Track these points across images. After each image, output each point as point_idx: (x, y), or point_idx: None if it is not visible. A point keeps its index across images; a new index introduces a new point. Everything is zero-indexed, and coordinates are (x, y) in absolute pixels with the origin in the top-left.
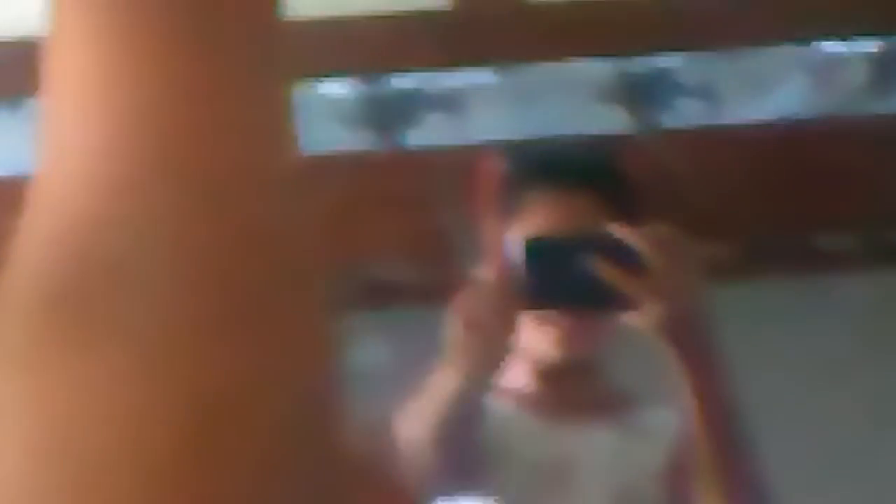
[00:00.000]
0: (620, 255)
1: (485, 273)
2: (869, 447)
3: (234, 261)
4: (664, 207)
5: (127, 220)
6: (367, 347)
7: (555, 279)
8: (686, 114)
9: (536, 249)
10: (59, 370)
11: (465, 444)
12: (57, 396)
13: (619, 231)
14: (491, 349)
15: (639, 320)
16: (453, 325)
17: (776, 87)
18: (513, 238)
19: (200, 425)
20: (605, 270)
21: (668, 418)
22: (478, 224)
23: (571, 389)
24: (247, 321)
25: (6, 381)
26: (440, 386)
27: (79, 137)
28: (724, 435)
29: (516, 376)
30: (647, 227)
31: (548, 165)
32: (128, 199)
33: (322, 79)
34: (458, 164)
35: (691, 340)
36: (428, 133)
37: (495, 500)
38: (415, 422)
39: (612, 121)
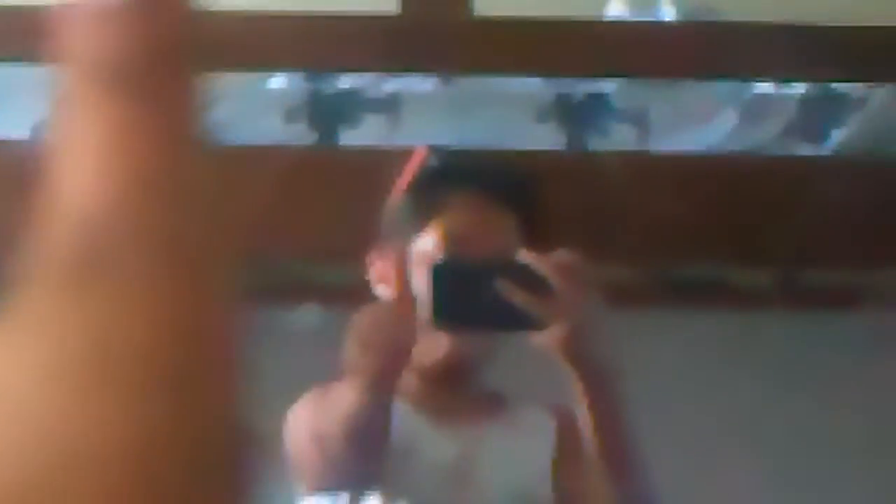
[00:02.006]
0: (525, 277)
1: (386, 293)
2: (768, 484)
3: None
4: (580, 230)
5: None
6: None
7: (461, 301)
8: (616, 139)
9: (443, 272)
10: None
11: (371, 449)
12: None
13: (525, 254)
14: (386, 369)
15: (540, 340)
16: (351, 343)
17: (706, 120)
18: (420, 256)
19: None
20: (510, 293)
21: (546, 420)
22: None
23: (456, 390)
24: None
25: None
26: (343, 395)
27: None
28: (614, 446)
29: (404, 375)
30: (553, 252)
31: (471, 172)
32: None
33: (265, 73)
34: (389, 166)
35: (590, 360)
36: (364, 134)
37: (393, 498)
38: (320, 419)
39: (544, 139)
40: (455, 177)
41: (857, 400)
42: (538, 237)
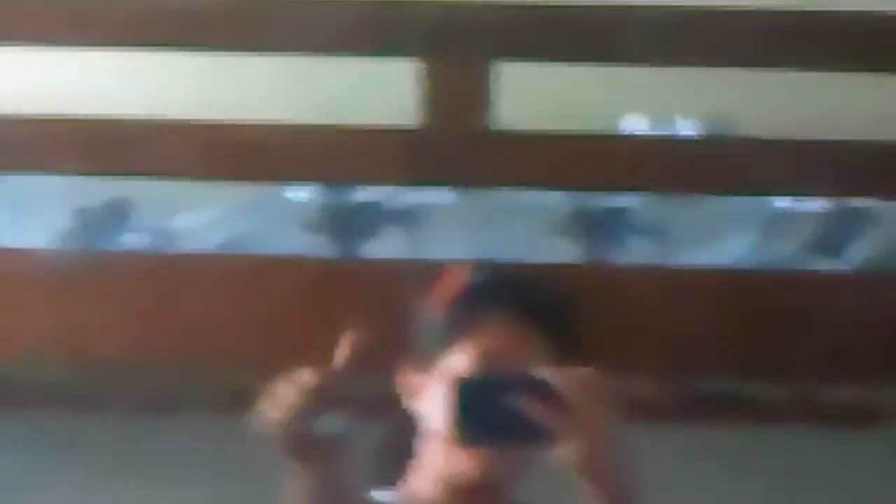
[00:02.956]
0: (544, 393)
1: (417, 406)
2: None
3: None
4: (599, 343)
5: None
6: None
7: (484, 417)
8: (636, 252)
9: (467, 389)
10: None
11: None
12: None
13: (543, 370)
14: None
15: (559, 455)
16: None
17: (725, 235)
18: (449, 373)
19: None
20: (528, 408)
21: None
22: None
23: (481, 503)
24: None
25: None
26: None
27: None
28: None
29: (426, 485)
30: (572, 368)
31: (510, 291)
32: None
33: (288, 184)
34: (409, 277)
35: (607, 477)
36: (384, 246)
37: None
38: None
39: (563, 252)
40: (494, 296)
41: None
42: (573, 353)
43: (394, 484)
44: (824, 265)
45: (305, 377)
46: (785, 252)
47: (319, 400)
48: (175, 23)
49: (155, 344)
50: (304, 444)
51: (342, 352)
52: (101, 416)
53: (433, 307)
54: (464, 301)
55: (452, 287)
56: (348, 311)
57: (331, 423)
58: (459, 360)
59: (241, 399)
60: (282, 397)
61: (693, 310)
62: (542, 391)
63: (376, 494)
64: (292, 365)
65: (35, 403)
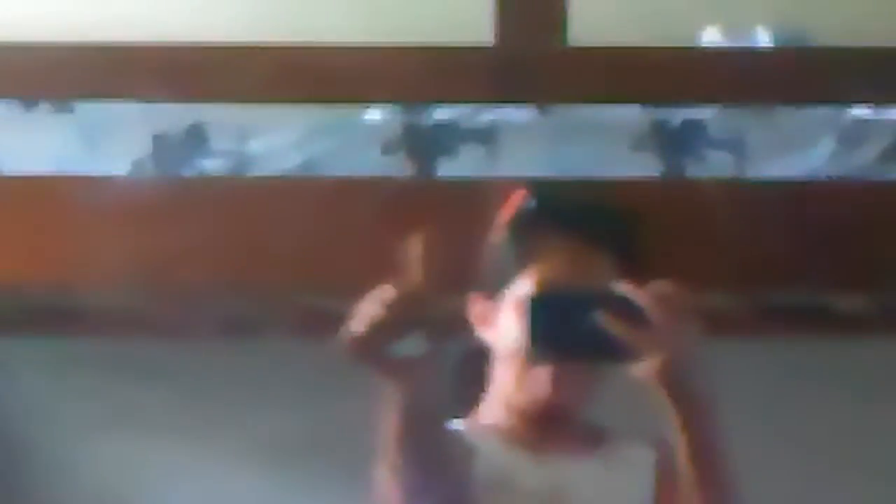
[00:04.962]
0: (622, 308)
1: (487, 336)
2: None
3: None
4: (678, 258)
5: None
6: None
7: (559, 333)
8: (714, 166)
9: (541, 305)
10: None
11: (433, 456)
12: None
13: (622, 286)
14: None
15: (639, 370)
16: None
17: (803, 146)
18: (516, 299)
19: None
20: (607, 324)
21: (646, 454)
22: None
23: (555, 427)
24: None
25: None
26: (387, 417)
27: None
28: (711, 476)
29: (498, 412)
30: (650, 282)
31: (567, 215)
32: None
33: (363, 105)
34: (487, 197)
35: (686, 391)
36: (462, 165)
37: None
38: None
39: (641, 167)
40: (551, 220)
41: None
42: (637, 271)
43: (468, 411)
44: None
45: (388, 294)
46: (863, 162)
47: (402, 317)
48: None
49: (235, 269)
50: (387, 362)
51: (419, 268)
52: (183, 341)
53: (497, 231)
54: (522, 225)
55: (512, 210)
56: (428, 231)
57: (412, 344)
58: (524, 286)
59: (321, 322)
60: (366, 314)
61: (771, 222)
62: (620, 305)
63: (453, 422)
64: (371, 287)
65: (117, 329)
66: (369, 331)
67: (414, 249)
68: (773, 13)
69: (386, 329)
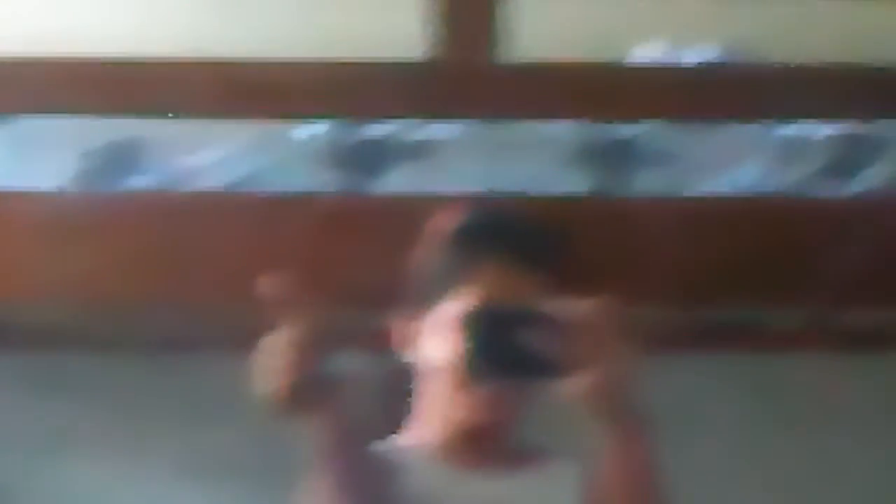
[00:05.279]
0: (554, 326)
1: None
2: None
3: None
4: (612, 274)
5: None
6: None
7: (494, 351)
8: (647, 182)
9: (477, 323)
10: None
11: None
12: None
13: (554, 303)
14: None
15: (570, 389)
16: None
17: (737, 163)
18: (446, 319)
19: None
20: (539, 342)
21: (577, 471)
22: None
23: (487, 444)
24: None
25: None
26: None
27: None
28: (642, 496)
29: (428, 431)
30: (583, 299)
31: (500, 235)
32: None
33: (297, 120)
34: (418, 213)
35: (617, 408)
36: (395, 181)
37: None
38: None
39: (574, 183)
40: (483, 238)
41: (892, 442)
42: (571, 288)
43: (396, 431)
44: (836, 191)
45: (297, 331)
46: (796, 179)
47: (316, 350)
48: None
49: (165, 285)
50: (306, 395)
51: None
52: (111, 357)
53: (428, 249)
54: (454, 242)
55: (444, 229)
56: (364, 248)
57: (330, 367)
58: (456, 304)
59: (253, 337)
60: (277, 355)
61: (704, 238)
62: (551, 323)
63: (380, 444)
64: (302, 302)
65: (45, 345)
66: (283, 386)
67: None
68: (711, 29)
69: (297, 377)
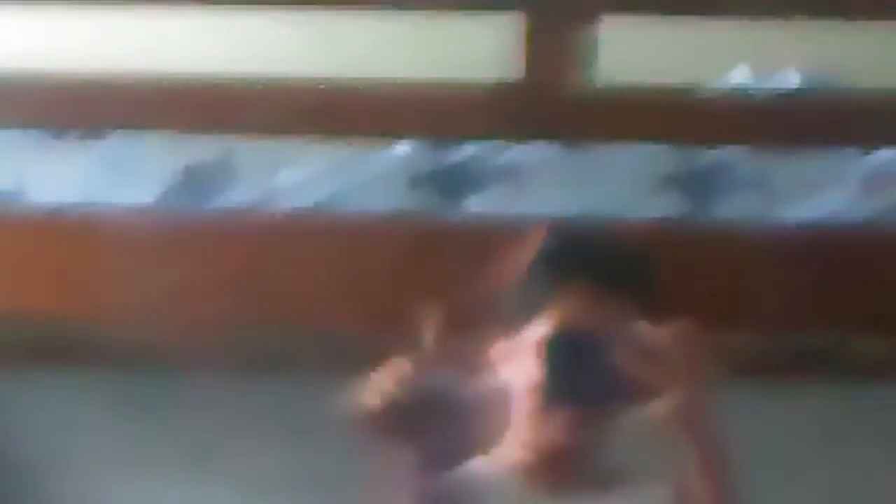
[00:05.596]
0: (639, 349)
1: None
2: None
3: None
4: (702, 298)
5: None
6: None
7: (576, 375)
8: (739, 207)
9: (558, 347)
10: None
11: None
12: None
13: (638, 327)
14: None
15: (654, 412)
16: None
17: (823, 189)
18: (535, 332)
19: None
20: (623, 365)
21: (662, 493)
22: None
23: (571, 467)
24: None
25: None
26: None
27: None
28: None
29: (516, 452)
30: (665, 324)
31: (584, 260)
32: None
33: (389, 140)
34: (503, 238)
35: (701, 431)
36: (487, 202)
37: None
38: None
39: (666, 207)
40: (570, 261)
41: None
42: (655, 313)
43: (488, 450)
44: None
45: (399, 369)
46: (887, 204)
47: (415, 393)
48: None
49: (259, 304)
50: (400, 435)
51: (431, 335)
52: (204, 375)
53: (513, 273)
54: (542, 264)
55: (533, 249)
56: (450, 269)
57: (427, 393)
58: (542, 327)
59: (346, 358)
60: (379, 391)
61: (792, 265)
62: (630, 348)
63: (470, 464)
64: (395, 324)
65: (139, 362)
66: (384, 409)
67: (428, 320)
68: (799, 55)
69: (400, 407)
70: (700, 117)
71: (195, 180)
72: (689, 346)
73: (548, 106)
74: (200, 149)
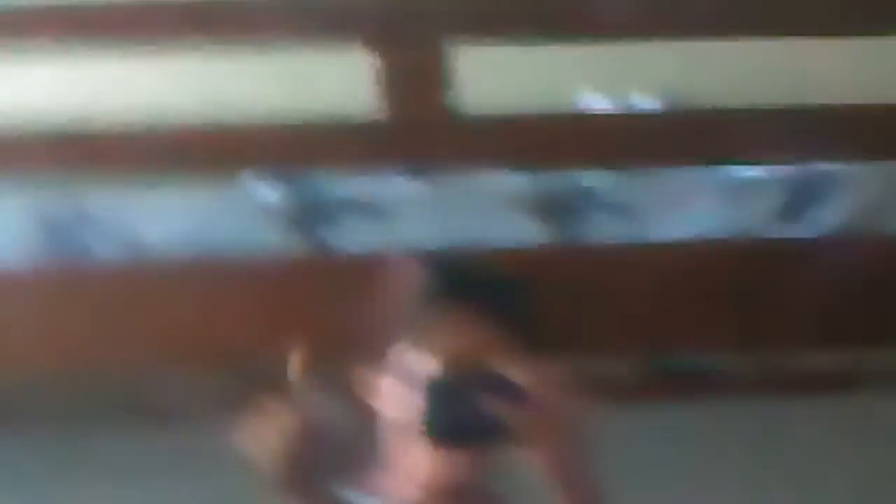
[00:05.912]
0: (511, 393)
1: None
2: None
3: None
4: (571, 326)
5: None
6: None
7: (452, 418)
8: (602, 230)
9: (434, 390)
10: None
11: None
12: None
13: (511, 371)
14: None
15: (527, 454)
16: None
17: (691, 207)
18: (410, 372)
19: None
20: (495, 407)
21: None
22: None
23: (454, 499)
24: None
25: None
26: None
27: None
28: None
29: (395, 483)
30: (538, 367)
31: (462, 287)
32: None
33: (251, 180)
34: (374, 269)
35: (573, 476)
36: (349, 236)
37: None
38: None
39: (531, 234)
40: (444, 293)
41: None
42: (532, 339)
43: (362, 481)
44: (790, 232)
45: (279, 421)
46: (751, 221)
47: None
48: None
49: (128, 350)
50: (303, 479)
51: (297, 370)
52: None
53: (389, 303)
54: (415, 297)
55: (405, 282)
56: (319, 306)
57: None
58: (419, 359)
59: (221, 400)
60: (276, 453)
61: (661, 285)
62: (509, 390)
63: (348, 494)
64: (265, 361)
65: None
66: (285, 466)
67: (296, 357)
68: (651, 78)
69: (297, 459)
70: (561, 142)
71: (55, 230)
72: (560, 391)
73: (407, 137)
74: (58, 199)
